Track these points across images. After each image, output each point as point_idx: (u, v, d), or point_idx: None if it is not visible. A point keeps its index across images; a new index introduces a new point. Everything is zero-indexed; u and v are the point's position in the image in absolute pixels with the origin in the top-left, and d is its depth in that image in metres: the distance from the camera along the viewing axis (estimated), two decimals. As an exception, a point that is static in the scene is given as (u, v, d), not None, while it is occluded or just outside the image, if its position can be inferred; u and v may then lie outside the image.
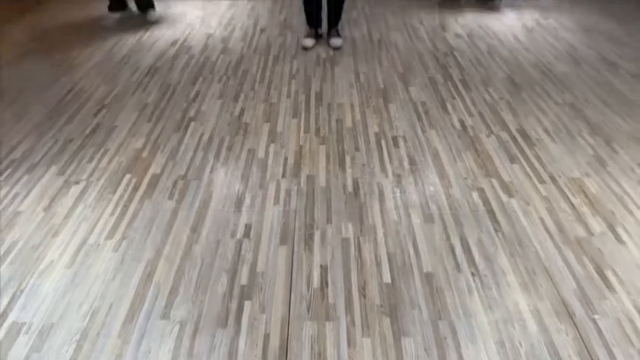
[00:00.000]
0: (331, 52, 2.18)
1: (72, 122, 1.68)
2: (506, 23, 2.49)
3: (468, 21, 2.53)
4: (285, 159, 1.48)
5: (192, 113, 1.72)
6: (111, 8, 2.63)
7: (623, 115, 1.69)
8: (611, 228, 1.21)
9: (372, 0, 2.86)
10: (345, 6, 2.25)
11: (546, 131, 1.60)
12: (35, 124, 1.69)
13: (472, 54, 2.15)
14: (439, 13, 2.64)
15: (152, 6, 2.59)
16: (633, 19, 2.56)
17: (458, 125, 1.63)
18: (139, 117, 1.70)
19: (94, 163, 1.48)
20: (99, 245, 1.17)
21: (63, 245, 1.18)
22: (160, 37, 2.40)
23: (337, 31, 2.24)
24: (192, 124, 1.66)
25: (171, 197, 1.33)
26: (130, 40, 2.37)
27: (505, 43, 2.25)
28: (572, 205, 1.29)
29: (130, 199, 1.33)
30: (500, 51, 2.17)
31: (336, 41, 2.19)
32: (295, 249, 1.14)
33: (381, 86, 1.89)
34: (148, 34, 2.44)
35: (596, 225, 1.22)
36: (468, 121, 1.65)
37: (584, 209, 1.27)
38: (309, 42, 2.21)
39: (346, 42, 2.29)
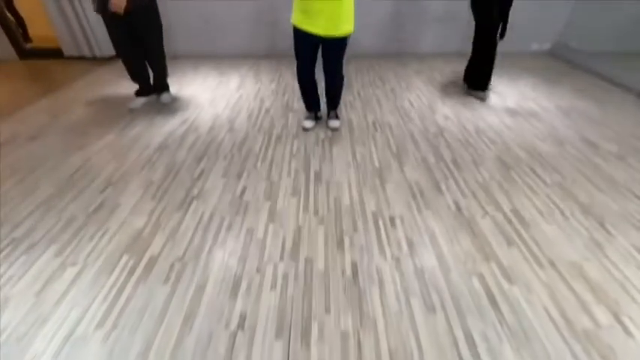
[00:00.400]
0: (329, 133, 2.34)
1: (77, 200, 1.74)
2: (490, 106, 2.71)
3: (454, 104, 2.76)
4: (284, 240, 1.49)
5: (195, 192, 1.78)
6: (138, 94, 2.81)
7: (613, 196, 1.75)
8: (617, 318, 1.17)
9: (366, 84, 3.15)
10: (343, 91, 2.48)
11: (540, 212, 1.64)
12: (41, 201, 1.73)
13: (461, 135, 2.30)
14: (428, 97, 2.88)
15: (167, 89, 2.84)
16: (606, 100, 2.80)
17: (453, 206, 1.68)
18: (144, 195, 1.76)
19: (93, 243, 1.49)
20: (87, 336, 1.12)
21: (49, 336, 1.13)
22: (171, 117, 2.59)
23: (336, 113, 2.43)
24: (195, 202, 1.71)
25: (166, 281, 1.31)
26: (144, 119, 2.56)
27: (491, 125, 2.42)
28: (575, 292, 1.27)
29: (125, 283, 1.30)
30: (487, 132, 2.33)
31: (334, 123, 2.37)
32: (291, 344, 1.09)
33: (377, 165, 1.99)
34: (160, 114, 2.64)
35: (602, 315, 1.19)
36: (462, 202, 1.70)
37: (587, 297, 1.25)
38: (308, 123, 2.38)
39: (343, 123, 2.47)
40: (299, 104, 2.72)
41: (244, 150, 2.15)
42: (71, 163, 2.03)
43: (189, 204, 1.70)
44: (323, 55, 2.11)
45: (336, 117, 2.42)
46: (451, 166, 1.98)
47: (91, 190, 1.81)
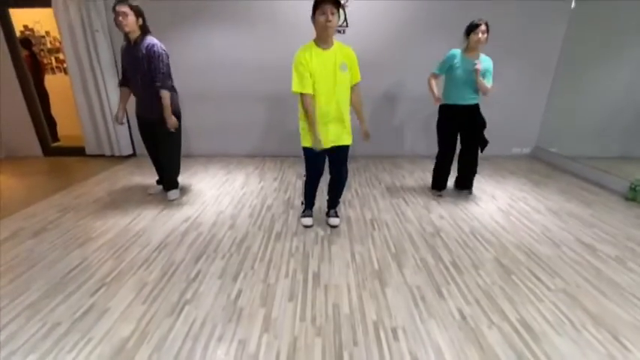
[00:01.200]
0: (328, 231, 2.39)
1: (66, 302, 1.67)
2: (483, 206, 2.82)
3: (448, 204, 2.88)
4: (278, 353, 1.39)
5: (189, 295, 1.73)
6: (159, 182, 3.09)
7: (621, 304, 1.69)
8: None
9: (363, 184, 3.34)
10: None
11: (548, 322, 1.57)
12: (30, 303, 1.67)
13: (457, 235, 2.34)
14: (422, 197, 3.03)
15: (175, 186, 3.00)
16: (594, 202, 2.92)
17: (457, 314, 1.61)
18: (135, 298, 1.71)
19: (73, 354, 1.38)
20: None
21: None
22: (175, 213, 2.68)
23: (336, 211, 2.53)
24: (187, 307, 1.64)
25: (145, 406, 1.17)
26: (149, 215, 2.64)
27: (486, 225, 2.49)
28: None
29: (98, 409, 1.16)
30: (482, 232, 2.38)
31: (334, 220, 2.44)
32: None
33: (376, 267, 1.97)
34: (166, 210, 2.74)
35: None
36: (466, 310, 1.64)
37: None
38: (308, 221, 2.46)
39: (342, 220, 2.55)
40: (299, 202, 2.84)
41: (243, 248, 2.16)
42: (68, 261, 2.02)
43: (182, 309, 1.63)
44: (331, 162, 2.34)
45: (337, 215, 2.51)
46: (451, 268, 1.97)
47: (82, 291, 1.76)
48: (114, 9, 2.34)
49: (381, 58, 3.85)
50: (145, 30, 2.47)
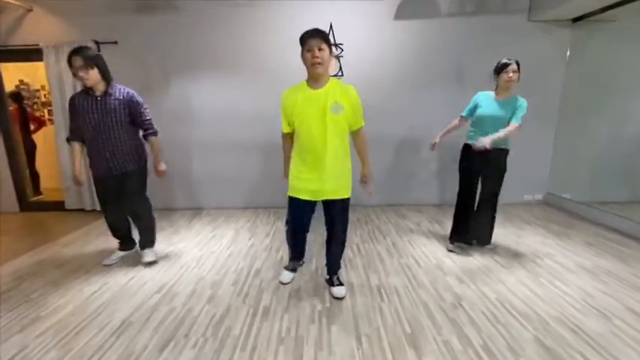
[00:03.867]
0: (327, 303, 1.99)
1: (-26, 424, 1.24)
2: (505, 265, 2.45)
3: (465, 262, 2.51)
4: None
5: (142, 408, 1.30)
6: (121, 249, 2.65)
7: None
8: None
9: (366, 238, 2.98)
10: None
11: None
12: None
13: (483, 305, 1.94)
14: (434, 254, 2.66)
15: (151, 245, 2.61)
16: (626, 256, 2.56)
17: None
18: (70, 413, 1.27)
19: None
20: None
21: None
22: (148, 280, 2.29)
23: (338, 278, 2.14)
24: None
25: None
26: (117, 282, 2.25)
27: (515, 291, 2.10)
28: None
29: None
30: (512, 301, 1.99)
31: (338, 291, 2.04)
32: None
33: (389, 356, 1.55)
34: (138, 276, 2.36)
35: None
36: None
37: None
38: (285, 277, 2.14)
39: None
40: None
41: (222, 330, 1.74)
42: (8, 347, 1.60)
43: None
44: (325, 217, 2.04)
45: (340, 282, 2.11)
46: (483, 355, 1.55)
47: (3, 402, 1.33)
48: (69, 61, 2.03)
49: (382, 103, 3.73)
50: (107, 78, 2.17)
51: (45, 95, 5.23)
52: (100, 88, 2.16)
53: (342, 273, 2.34)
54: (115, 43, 3.62)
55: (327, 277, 2.17)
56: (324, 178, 1.84)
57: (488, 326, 1.76)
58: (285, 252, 2.71)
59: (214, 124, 3.80)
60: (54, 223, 3.62)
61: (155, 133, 2.39)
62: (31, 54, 3.67)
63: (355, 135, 1.95)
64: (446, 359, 1.53)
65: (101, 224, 3.52)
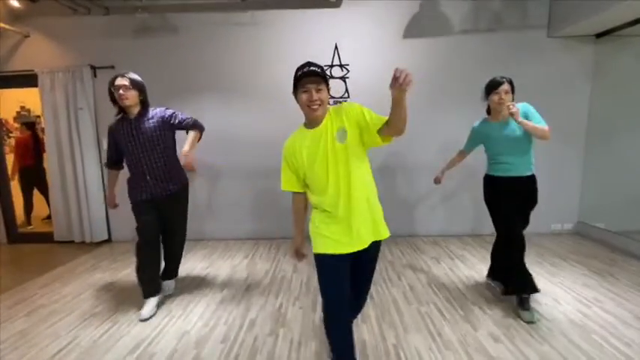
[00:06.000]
0: (334, 371, 1.62)
1: None
2: (548, 318, 2.05)
3: (498, 314, 2.11)
4: None
5: None
6: (149, 294, 2.23)
7: None
8: None
9: (378, 280, 2.60)
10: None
11: None
12: None
13: (529, 376, 1.55)
14: (459, 299, 2.28)
15: (175, 276, 2.52)
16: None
17: None
18: None
19: None
20: None
21: None
22: (124, 334, 1.96)
23: None
24: None
25: None
26: (87, 338, 1.93)
27: (562, 353, 1.70)
28: None
29: None
30: (564, 368, 1.59)
31: None
32: None
33: None
34: (114, 327, 2.03)
35: None
36: None
37: None
38: None
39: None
40: (295, 312, 2.11)
41: (202, 412, 1.39)
42: None
43: None
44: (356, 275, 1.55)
45: None
46: None
47: None
48: (112, 83, 2.10)
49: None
50: (145, 104, 2.19)
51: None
52: (134, 111, 2.15)
53: (353, 325, 1.98)
54: (112, 67, 3.48)
55: None
56: (355, 224, 1.42)
57: (541, 411, 1.37)
58: (284, 296, 2.36)
59: (212, 149, 3.56)
60: (39, 258, 3.35)
61: (195, 127, 2.30)
62: (28, 80, 3.56)
63: (388, 127, 1.42)
64: None
65: (91, 258, 3.25)
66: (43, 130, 5.09)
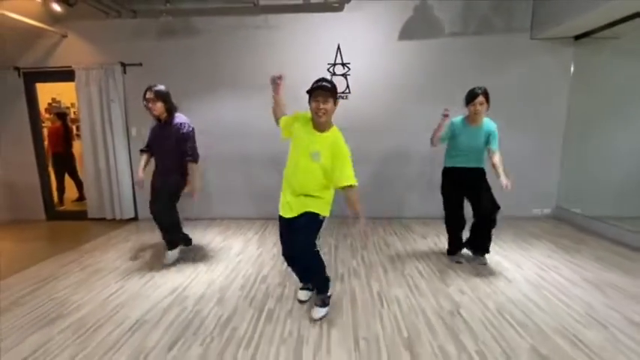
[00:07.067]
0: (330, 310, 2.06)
1: (4, 405, 1.37)
2: (509, 277, 2.47)
3: (469, 274, 2.53)
4: None
5: (152, 396, 1.40)
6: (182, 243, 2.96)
7: None
8: None
9: (370, 249, 3.05)
10: (344, 255, 2.35)
11: None
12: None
13: (482, 314, 1.98)
14: (438, 265, 2.71)
15: (174, 246, 2.84)
16: (635, 270, 2.53)
17: None
18: (88, 399, 1.39)
19: None
20: None
21: None
22: (162, 283, 2.43)
23: (323, 299, 2.03)
24: (146, 414, 1.31)
25: None
26: (133, 286, 2.40)
27: (515, 302, 2.12)
28: None
29: None
30: (512, 311, 2.01)
31: (316, 312, 1.96)
32: None
33: (385, 358, 1.62)
34: (154, 279, 2.50)
35: None
36: None
37: None
38: (303, 295, 2.17)
39: (345, 294, 2.23)
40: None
41: (228, 331, 1.85)
42: (26, 346, 1.75)
43: (139, 417, 1.30)
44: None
45: (323, 304, 2.01)
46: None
47: (29, 388, 1.46)
48: (144, 96, 2.58)
49: (387, 119, 3.87)
50: (171, 110, 2.65)
51: (74, 112, 5.63)
52: (164, 117, 2.64)
53: (345, 280, 2.42)
54: (140, 64, 3.93)
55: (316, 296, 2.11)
56: (292, 200, 1.93)
57: (484, 334, 1.79)
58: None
59: (228, 139, 4.01)
60: (78, 231, 3.85)
61: (192, 160, 2.68)
62: (64, 75, 4.02)
63: (345, 192, 1.85)
64: (441, 363, 1.58)
65: (123, 232, 3.74)
66: (72, 120, 5.64)
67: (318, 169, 1.85)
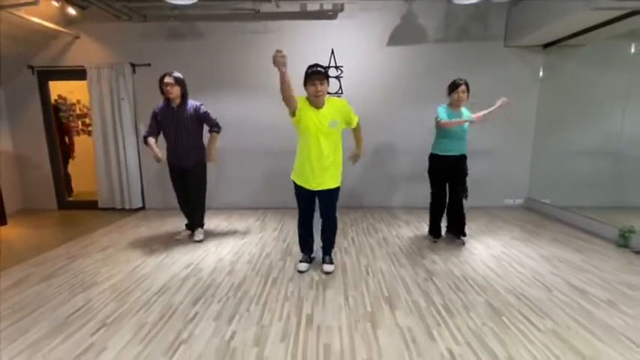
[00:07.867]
0: (324, 276, 2.46)
1: (67, 342, 1.73)
2: (476, 253, 2.90)
3: (442, 251, 2.96)
4: (268, 391, 1.41)
5: (184, 335, 1.78)
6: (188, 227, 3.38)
7: (613, 345, 1.69)
8: None
9: (360, 233, 3.46)
10: (337, 238, 2.75)
11: (538, 363, 1.57)
12: (32, 342, 1.73)
13: (449, 279, 2.40)
14: (417, 245, 3.12)
15: (203, 225, 3.33)
16: (586, 249, 2.98)
17: (447, 355, 1.62)
18: (133, 338, 1.76)
19: (67, 392, 1.42)
20: None
21: None
22: (178, 259, 2.80)
23: (330, 258, 2.62)
24: (182, 347, 1.69)
25: None
26: (152, 262, 2.76)
27: (478, 270, 2.54)
28: None
29: None
30: (474, 277, 2.43)
31: (327, 267, 2.52)
32: None
33: (369, 309, 2.02)
34: (169, 257, 2.86)
35: None
36: (457, 350, 1.65)
37: None
38: (303, 266, 2.55)
39: (337, 267, 2.63)
40: (297, 249, 2.95)
41: (240, 292, 2.23)
42: (73, 303, 2.11)
43: (177, 349, 1.68)
44: (319, 204, 2.50)
45: (331, 261, 2.59)
46: (442, 311, 2.00)
47: (83, 332, 1.82)
48: (162, 80, 2.87)
49: (377, 118, 4.27)
50: (185, 96, 2.99)
51: (80, 109, 5.90)
52: (177, 102, 2.96)
53: (337, 258, 2.82)
54: (149, 65, 4.24)
55: (322, 257, 2.62)
56: (317, 173, 2.33)
57: (450, 293, 2.21)
58: (291, 240, 3.20)
59: (232, 133, 4.35)
60: (90, 219, 4.17)
61: (219, 131, 3.12)
62: (76, 74, 4.31)
63: (355, 130, 2.51)
64: (413, 313, 1.98)
65: (133, 220, 4.07)
66: (77, 116, 5.90)
67: (335, 133, 2.31)
